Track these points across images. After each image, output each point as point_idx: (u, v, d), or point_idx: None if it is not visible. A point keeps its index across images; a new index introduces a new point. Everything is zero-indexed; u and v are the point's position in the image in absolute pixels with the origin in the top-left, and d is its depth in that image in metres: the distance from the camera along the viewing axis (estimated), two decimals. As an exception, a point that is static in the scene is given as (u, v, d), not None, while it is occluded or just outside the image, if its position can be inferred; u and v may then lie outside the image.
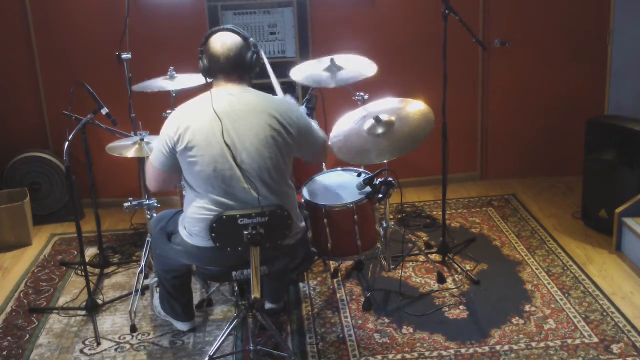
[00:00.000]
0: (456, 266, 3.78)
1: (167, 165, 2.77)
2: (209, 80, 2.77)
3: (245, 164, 2.66)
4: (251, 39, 2.77)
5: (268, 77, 3.14)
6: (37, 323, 3.45)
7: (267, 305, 3.41)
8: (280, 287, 3.42)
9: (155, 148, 2.80)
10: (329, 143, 3.27)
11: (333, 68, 3.59)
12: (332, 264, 3.85)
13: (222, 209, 2.68)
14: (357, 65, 3.63)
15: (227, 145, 2.63)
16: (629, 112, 4.37)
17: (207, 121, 2.64)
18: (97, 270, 3.92)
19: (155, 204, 3.55)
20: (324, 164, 3.72)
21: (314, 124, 3.02)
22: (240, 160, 2.65)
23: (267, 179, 2.70)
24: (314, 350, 3.16)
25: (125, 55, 3.67)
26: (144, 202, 3.53)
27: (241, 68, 2.74)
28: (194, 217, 2.75)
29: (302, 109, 3.66)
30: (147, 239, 3.64)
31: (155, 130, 3.54)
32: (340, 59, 3.64)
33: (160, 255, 3.05)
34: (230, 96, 2.71)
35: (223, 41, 2.71)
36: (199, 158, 2.65)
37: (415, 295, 3.55)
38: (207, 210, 2.70)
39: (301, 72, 3.66)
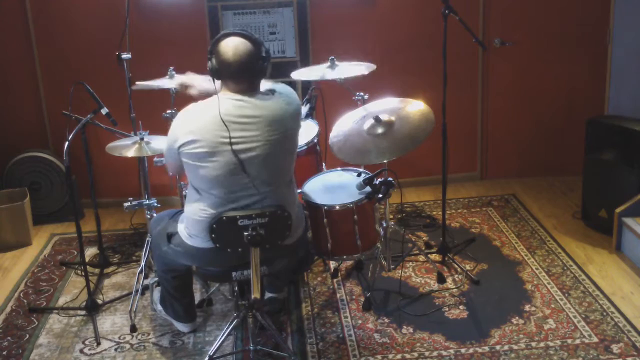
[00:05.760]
0: (456, 266, 3.77)
1: (178, 165, 2.78)
2: (217, 81, 2.73)
3: (252, 170, 2.65)
4: (263, 45, 2.71)
5: (275, 77, 3.15)
6: (37, 323, 3.45)
7: (268, 295, 3.41)
8: (280, 280, 3.43)
9: (165, 146, 2.82)
10: (329, 143, 3.28)
11: (333, 66, 3.61)
12: (332, 264, 3.85)
13: (223, 210, 2.68)
14: (356, 65, 3.65)
15: (233, 150, 2.61)
16: (629, 112, 4.37)
17: (215, 127, 2.61)
18: (97, 270, 3.92)
19: (155, 204, 3.55)
20: (324, 163, 3.73)
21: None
22: (245, 165, 2.64)
23: (272, 182, 2.70)
24: (314, 350, 3.16)
25: (125, 55, 3.67)
26: (144, 202, 3.54)
27: (252, 76, 2.69)
28: (195, 218, 2.74)
29: (302, 109, 3.68)
30: (147, 239, 3.64)
31: (155, 130, 3.56)
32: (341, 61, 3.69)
33: (161, 256, 3.05)
34: (238, 101, 2.67)
35: (236, 48, 2.64)
36: (203, 162, 2.64)
37: (415, 295, 3.55)
38: (207, 213, 2.70)
39: (302, 75, 3.69)
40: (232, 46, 2.65)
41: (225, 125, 2.60)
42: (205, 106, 2.69)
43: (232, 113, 2.63)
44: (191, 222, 2.77)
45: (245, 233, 2.62)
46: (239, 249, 2.69)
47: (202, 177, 2.67)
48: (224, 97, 2.67)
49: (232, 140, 2.60)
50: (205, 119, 2.64)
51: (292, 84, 4.36)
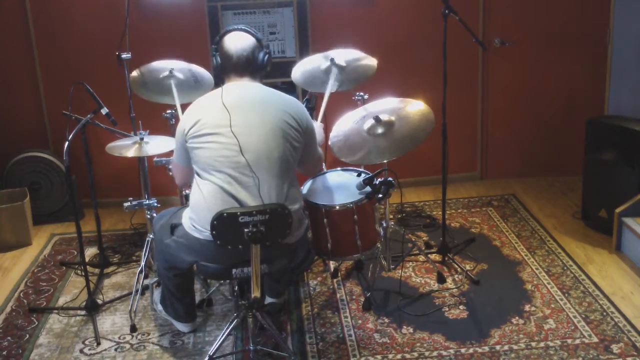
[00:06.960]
0: (456, 266, 3.77)
1: (186, 161, 2.86)
2: (221, 76, 2.89)
3: (251, 154, 2.71)
4: (264, 41, 2.89)
5: (275, 77, 3.22)
6: (37, 323, 3.45)
7: (268, 300, 3.41)
8: (281, 283, 3.43)
9: (175, 145, 2.94)
10: (329, 143, 3.28)
11: (333, 68, 3.59)
12: (332, 264, 3.85)
13: (227, 196, 2.72)
14: (358, 65, 3.63)
15: (234, 134, 2.70)
16: (629, 112, 4.37)
17: (217, 112, 2.74)
18: (97, 270, 3.92)
19: (155, 204, 3.56)
20: (324, 163, 3.72)
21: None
22: (246, 150, 2.70)
23: (273, 170, 2.74)
24: (314, 350, 3.16)
25: (125, 55, 3.67)
26: (144, 202, 3.54)
27: (253, 67, 2.86)
28: (198, 204, 2.78)
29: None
30: (147, 238, 3.64)
31: (155, 130, 3.57)
32: (340, 56, 3.65)
33: (162, 251, 3.04)
34: (241, 89, 2.82)
35: (236, 41, 2.84)
36: (206, 145, 2.73)
37: (415, 295, 3.55)
38: (212, 198, 2.73)
39: (302, 74, 3.67)
40: (233, 39, 2.85)
41: (226, 109, 2.72)
42: (210, 94, 2.87)
43: (234, 97, 2.77)
44: (194, 210, 2.81)
45: (246, 230, 2.63)
46: (240, 247, 2.70)
47: (205, 158, 2.74)
48: (228, 86, 2.84)
49: (233, 122, 2.71)
50: (209, 104, 2.80)
51: (292, 83, 4.36)
